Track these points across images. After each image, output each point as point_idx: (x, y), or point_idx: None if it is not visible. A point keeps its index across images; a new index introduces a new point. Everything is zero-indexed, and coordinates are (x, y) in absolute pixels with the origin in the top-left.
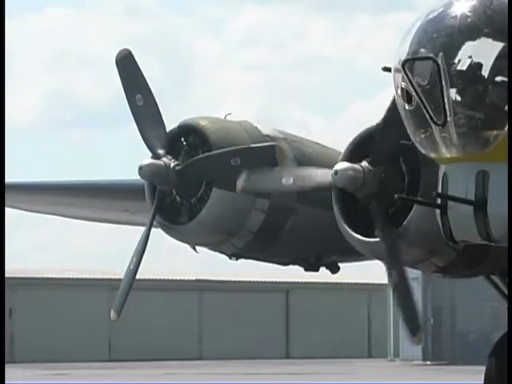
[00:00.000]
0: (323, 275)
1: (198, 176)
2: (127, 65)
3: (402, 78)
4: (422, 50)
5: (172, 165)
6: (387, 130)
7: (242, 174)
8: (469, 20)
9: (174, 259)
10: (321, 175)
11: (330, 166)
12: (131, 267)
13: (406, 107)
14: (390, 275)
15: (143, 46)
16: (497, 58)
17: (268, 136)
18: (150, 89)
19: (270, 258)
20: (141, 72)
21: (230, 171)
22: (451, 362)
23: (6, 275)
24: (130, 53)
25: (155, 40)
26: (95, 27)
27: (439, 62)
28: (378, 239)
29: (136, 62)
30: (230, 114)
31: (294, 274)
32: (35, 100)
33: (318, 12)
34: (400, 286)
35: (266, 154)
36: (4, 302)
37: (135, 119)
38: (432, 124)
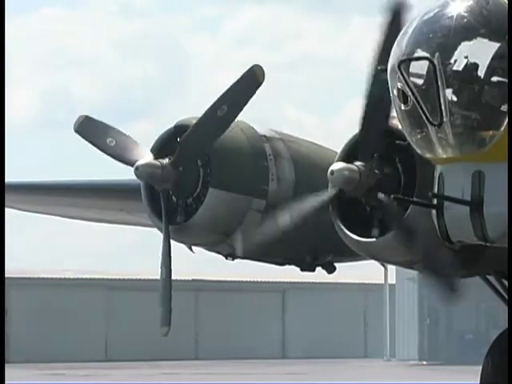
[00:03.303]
0: (319, 275)
1: (195, 150)
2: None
3: (398, 78)
4: (418, 51)
5: (165, 161)
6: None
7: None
8: (465, 20)
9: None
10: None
11: (327, 166)
12: (163, 276)
13: (402, 108)
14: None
15: (138, 45)
16: (493, 59)
17: (264, 136)
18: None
19: (266, 258)
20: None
21: (220, 122)
22: (447, 362)
23: None
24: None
25: (150, 39)
26: (91, 27)
27: (435, 62)
28: (374, 239)
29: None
30: None
31: (290, 274)
32: (31, 100)
33: (313, 12)
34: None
35: (248, 82)
36: (4, 302)
37: (112, 157)
38: (428, 124)
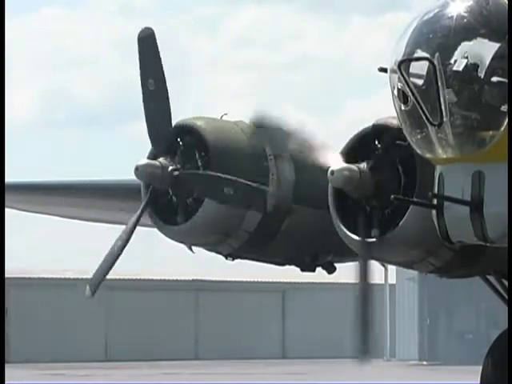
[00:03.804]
0: (319, 275)
1: (189, 189)
2: (147, 45)
3: (398, 78)
4: (418, 51)
5: (170, 168)
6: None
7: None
8: (465, 20)
9: (171, 259)
10: None
11: (327, 167)
12: (115, 248)
13: (402, 108)
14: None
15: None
16: (493, 59)
17: None
18: (163, 76)
19: (266, 258)
20: (159, 56)
21: (221, 197)
22: (447, 362)
23: None
24: (152, 33)
25: None
26: (91, 27)
27: (435, 62)
28: (374, 239)
29: (156, 45)
30: (226, 114)
31: (290, 274)
32: (31, 100)
33: (313, 12)
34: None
35: (258, 193)
36: (4, 302)
37: (144, 103)
38: (428, 124)
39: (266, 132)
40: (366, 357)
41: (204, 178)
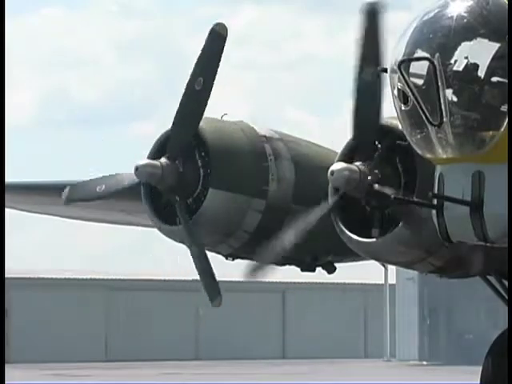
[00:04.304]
0: (319, 275)
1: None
2: (215, 41)
3: (398, 78)
4: (419, 51)
5: (172, 168)
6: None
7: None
8: (465, 21)
9: (171, 259)
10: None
11: (327, 166)
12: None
13: (402, 108)
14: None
15: (138, 45)
16: (493, 59)
17: (264, 136)
18: (214, 78)
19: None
20: (220, 58)
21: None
22: (447, 362)
23: None
24: (226, 32)
25: (150, 40)
26: (91, 27)
27: (435, 62)
28: (374, 239)
29: (223, 46)
30: (226, 114)
31: (290, 274)
32: (31, 100)
33: (313, 12)
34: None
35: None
36: (4, 302)
37: (182, 99)
38: (428, 124)
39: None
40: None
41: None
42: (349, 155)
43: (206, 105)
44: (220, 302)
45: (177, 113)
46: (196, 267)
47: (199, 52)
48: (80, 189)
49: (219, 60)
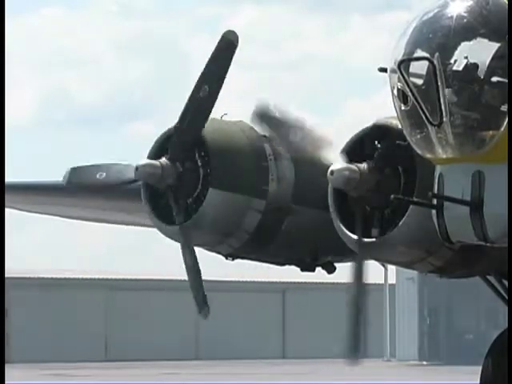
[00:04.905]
0: (319, 275)
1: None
2: (224, 49)
3: (398, 78)
4: (418, 51)
5: (170, 167)
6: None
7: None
8: (465, 20)
9: (171, 259)
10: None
11: (327, 166)
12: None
13: (402, 108)
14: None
15: (138, 45)
16: (493, 59)
17: (264, 136)
18: (221, 87)
19: (266, 258)
20: (229, 67)
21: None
22: (447, 362)
23: None
24: (237, 40)
25: (150, 40)
26: (91, 27)
27: (435, 62)
28: (373, 239)
29: (233, 55)
30: (226, 114)
31: (290, 274)
32: (31, 100)
33: (313, 12)
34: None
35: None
36: (4, 302)
37: (186, 105)
38: (428, 124)
39: (268, 122)
40: (356, 357)
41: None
42: (349, 155)
43: (210, 112)
44: (207, 312)
45: (180, 119)
46: (188, 278)
47: (207, 57)
48: (81, 173)
49: (227, 69)
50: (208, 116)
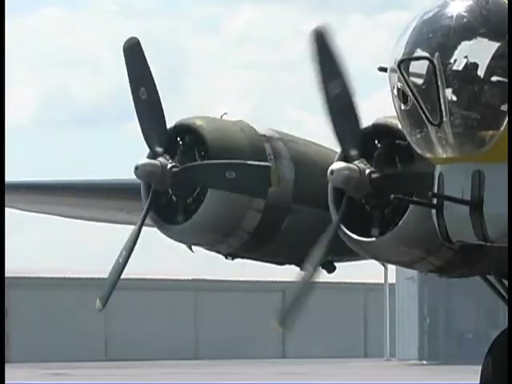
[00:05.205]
0: (319, 275)
1: (191, 181)
2: (134, 54)
3: (398, 78)
4: (418, 50)
5: (169, 166)
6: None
7: None
8: (464, 20)
9: (170, 259)
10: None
11: (327, 166)
12: (120, 261)
13: (402, 107)
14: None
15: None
16: (493, 58)
17: (264, 136)
18: (154, 83)
19: (266, 258)
20: (147, 64)
21: (224, 183)
22: (447, 362)
23: None
24: (138, 42)
25: (150, 40)
26: (91, 27)
27: (435, 62)
28: (374, 239)
29: (143, 53)
30: (226, 113)
31: (290, 273)
32: (31, 100)
33: (313, 12)
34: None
35: (260, 172)
36: (4, 302)
37: (137, 113)
38: (428, 124)
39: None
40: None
41: (204, 168)
42: (349, 155)
43: (161, 108)
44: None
45: (140, 125)
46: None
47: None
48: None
49: (148, 67)
50: (162, 114)
